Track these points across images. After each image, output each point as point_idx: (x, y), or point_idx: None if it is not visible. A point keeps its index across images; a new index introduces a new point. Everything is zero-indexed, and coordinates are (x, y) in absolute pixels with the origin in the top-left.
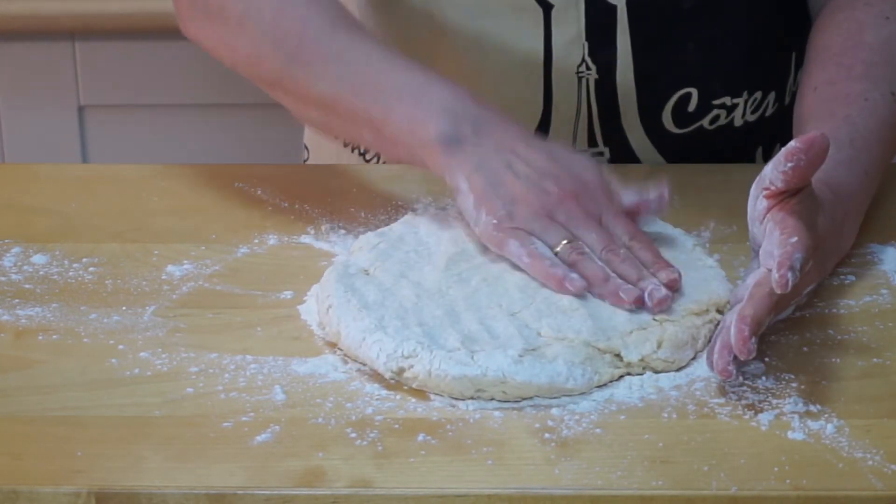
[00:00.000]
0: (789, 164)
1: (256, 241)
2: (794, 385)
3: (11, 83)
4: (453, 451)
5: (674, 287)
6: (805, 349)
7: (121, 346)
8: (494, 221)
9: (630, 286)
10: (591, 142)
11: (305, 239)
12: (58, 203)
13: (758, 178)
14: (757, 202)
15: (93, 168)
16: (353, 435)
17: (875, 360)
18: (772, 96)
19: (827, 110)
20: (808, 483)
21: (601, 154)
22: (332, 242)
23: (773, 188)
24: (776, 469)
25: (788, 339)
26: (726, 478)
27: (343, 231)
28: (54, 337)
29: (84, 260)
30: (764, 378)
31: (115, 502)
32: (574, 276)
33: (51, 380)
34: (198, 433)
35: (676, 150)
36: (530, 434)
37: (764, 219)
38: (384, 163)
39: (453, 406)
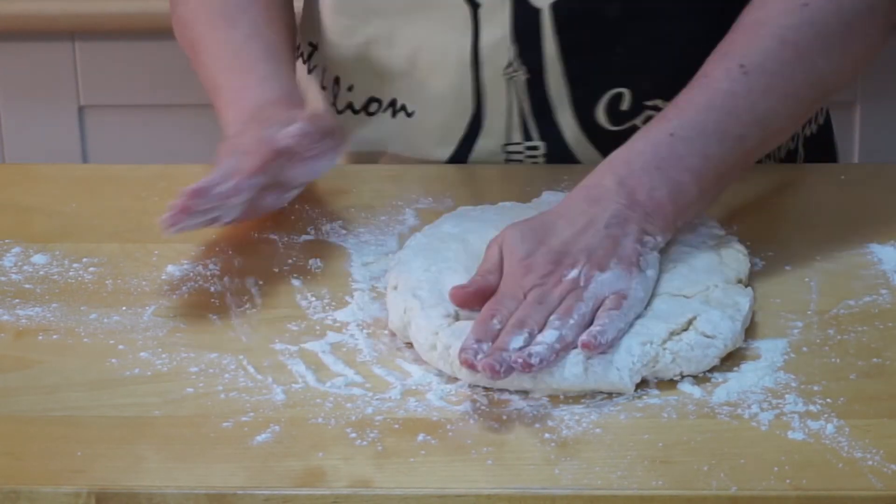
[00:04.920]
0: None
1: (257, 240)
2: (794, 385)
3: (11, 83)
4: (453, 451)
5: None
6: (805, 349)
7: (121, 346)
8: None
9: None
10: (527, 136)
11: (305, 239)
12: (58, 203)
13: None
14: None
15: (93, 168)
16: (353, 435)
17: (875, 360)
18: None
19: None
20: (808, 483)
21: (536, 148)
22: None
23: None
24: (776, 469)
25: (789, 339)
26: (726, 478)
27: (343, 231)
28: (54, 337)
29: (84, 260)
30: (765, 378)
31: (115, 502)
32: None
33: (51, 380)
34: (198, 433)
35: (613, 146)
36: (530, 434)
37: None
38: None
39: (453, 406)
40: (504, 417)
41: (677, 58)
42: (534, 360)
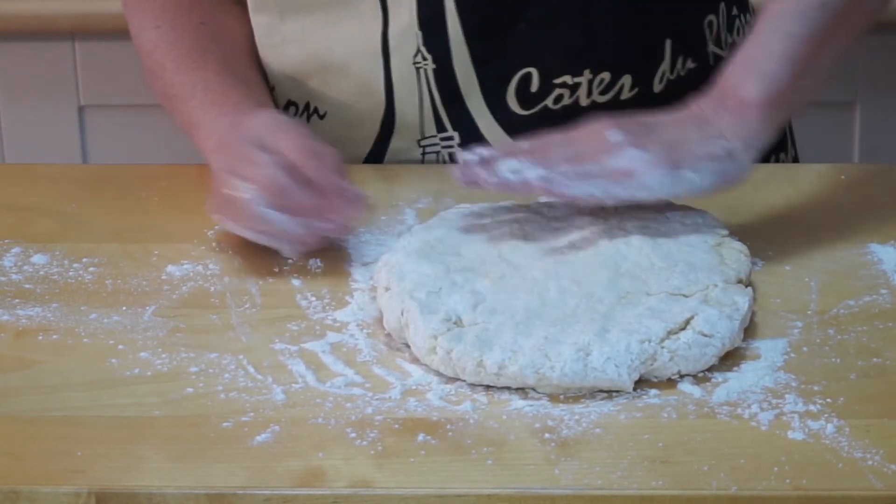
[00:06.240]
0: None
1: None
2: (794, 385)
3: (11, 83)
4: (453, 451)
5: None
6: (805, 349)
7: (121, 346)
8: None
9: None
10: (440, 128)
11: None
12: (58, 203)
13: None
14: None
15: (93, 168)
16: (353, 435)
17: (875, 360)
18: (627, 80)
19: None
20: (808, 483)
21: (451, 138)
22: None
23: None
24: (776, 469)
25: (789, 339)
26: (726, 478)
27: None
28: (54, 337)
29: (84, 260)
30: (765, 378)
31: (115, 502)
32: None
33: (51, 380)
34: (198, 433)
35: (525, 132)
36: (530, 434)
37: None
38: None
39: (453, 406)
40: (504, 417)
41: (580, 31)
42: (490, 179)
